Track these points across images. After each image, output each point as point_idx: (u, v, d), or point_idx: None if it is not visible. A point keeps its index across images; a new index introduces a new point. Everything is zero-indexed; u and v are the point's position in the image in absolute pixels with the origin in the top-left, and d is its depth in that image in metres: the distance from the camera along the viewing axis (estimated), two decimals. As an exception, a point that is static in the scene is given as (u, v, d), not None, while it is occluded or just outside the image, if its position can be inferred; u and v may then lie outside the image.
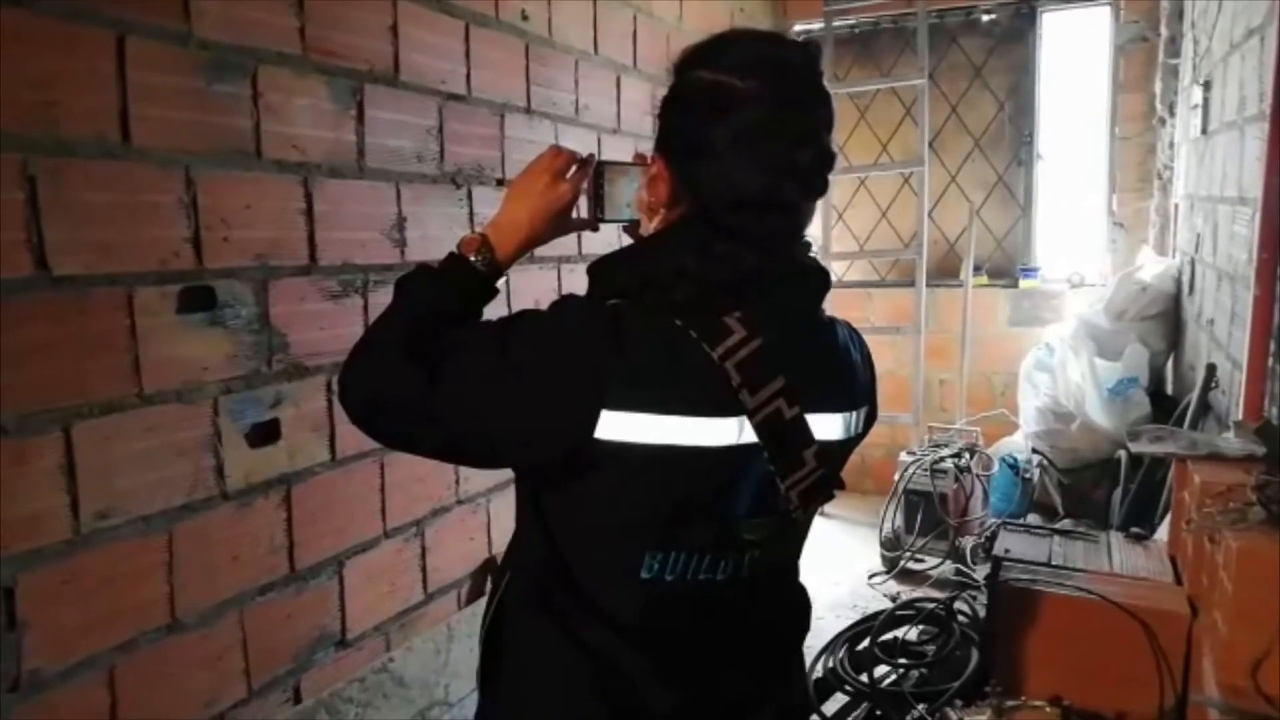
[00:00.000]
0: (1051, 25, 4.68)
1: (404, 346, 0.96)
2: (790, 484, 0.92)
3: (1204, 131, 3.27)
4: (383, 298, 2.21)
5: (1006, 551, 1.76)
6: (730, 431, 0.87)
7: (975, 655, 1.75)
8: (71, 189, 1.53)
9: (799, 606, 1.06)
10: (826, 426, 0.95)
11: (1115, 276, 4.12)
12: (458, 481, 2.52)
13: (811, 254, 0.96)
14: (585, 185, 1.15)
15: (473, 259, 1.05)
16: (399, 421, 0.96)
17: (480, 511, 2.62)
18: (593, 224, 1.18)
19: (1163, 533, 2.00)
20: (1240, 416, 2.13)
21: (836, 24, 4.86)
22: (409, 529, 2.34)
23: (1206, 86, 3.24)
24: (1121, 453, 3.34)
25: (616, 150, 3.34)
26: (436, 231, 2.41)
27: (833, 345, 1.00)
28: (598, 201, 1.15)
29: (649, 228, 1.01)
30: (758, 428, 0.88)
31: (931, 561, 3.74)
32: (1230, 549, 1.26)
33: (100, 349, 1.58)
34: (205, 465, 1.77)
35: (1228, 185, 2.82)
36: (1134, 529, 1.97)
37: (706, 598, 0.92)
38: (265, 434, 1.90)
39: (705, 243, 0.89)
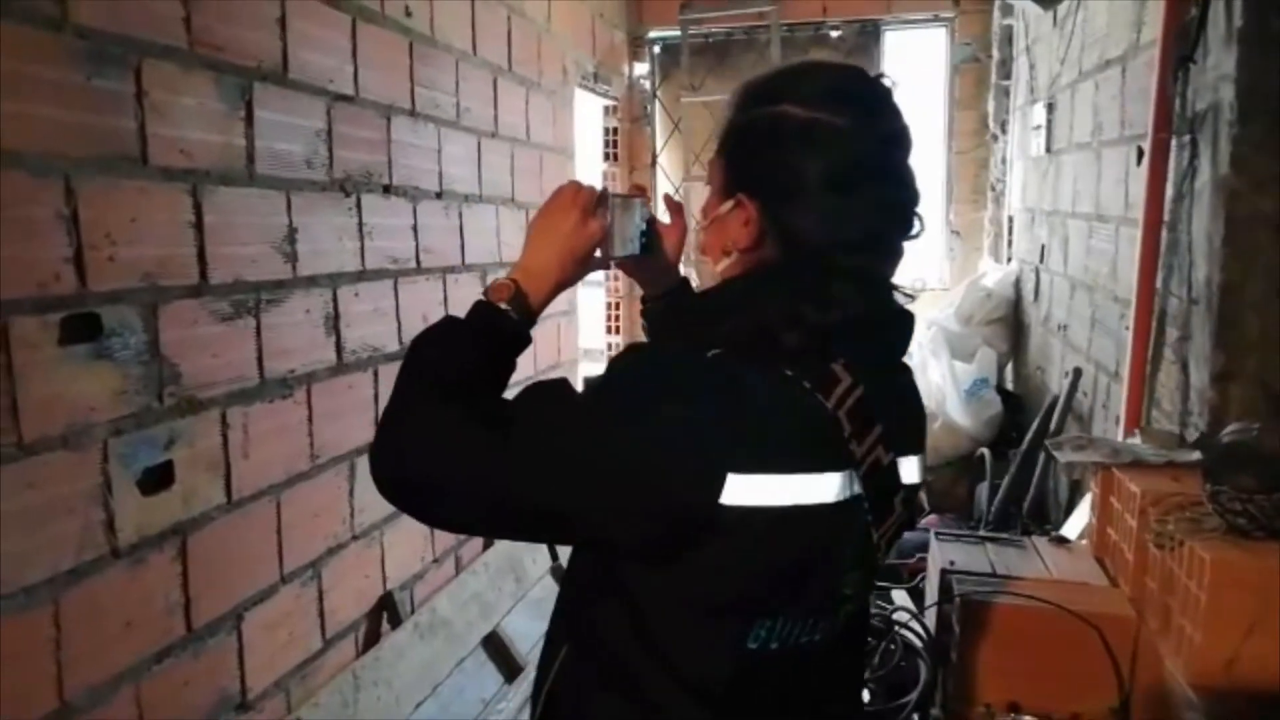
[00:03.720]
0: (894, 43, 4.93)
1: (460, 414, 0.84)
2: (881, 532, 0.88)
3: (1048, 150, 3.53)
4: (276, 318, 2.01)
5: (951, 564, 1.81)
6: (845, 484, 0.82)
7: (923, 667, 1.79)
8: (-69, 201, 1.28)
9: (864, 655, 1.03)
10: (908, 470, 0.92)
11: (963, 283, 4.38)
12: (353, 515, 2.33)
13: (904, 293, 0.92)
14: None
15: (504, 307, 0.94)
16: (472, 503, 0.83)
17: (375, 546, 2.44)
18: (605, 262, 1.10)
19: (1068, 531, 2.13)
20: (1123, 420, 2.30)
21: (692, 32, 4.90)
22: (306, 571, 2.13)
23: (1050, 109, 3.49)
24: (983, 450, 3.55)
25: (495, 154, 3.21)
26: (327, 244, 2.21)
27: (912, 388, 0.97)
28: (608, 237, 1.08)
29: (716, 270, 0.93)
30: (863, 478, 0.84)
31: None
32: (1202, 560, 1.34)
33: (-29, 392, 1.33)
34: (94, 520, 1.53)
35: (1081, 202, 3.05)
36: (1055, 533, 2.09)
37: (804, 660, 0.87)
38: (159, 479, 1.67)
39: (818, 288, 0.83)
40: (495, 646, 2.70)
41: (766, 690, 0.87)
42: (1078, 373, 2.90)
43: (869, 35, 4.93)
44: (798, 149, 0.84)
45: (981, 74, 4.75)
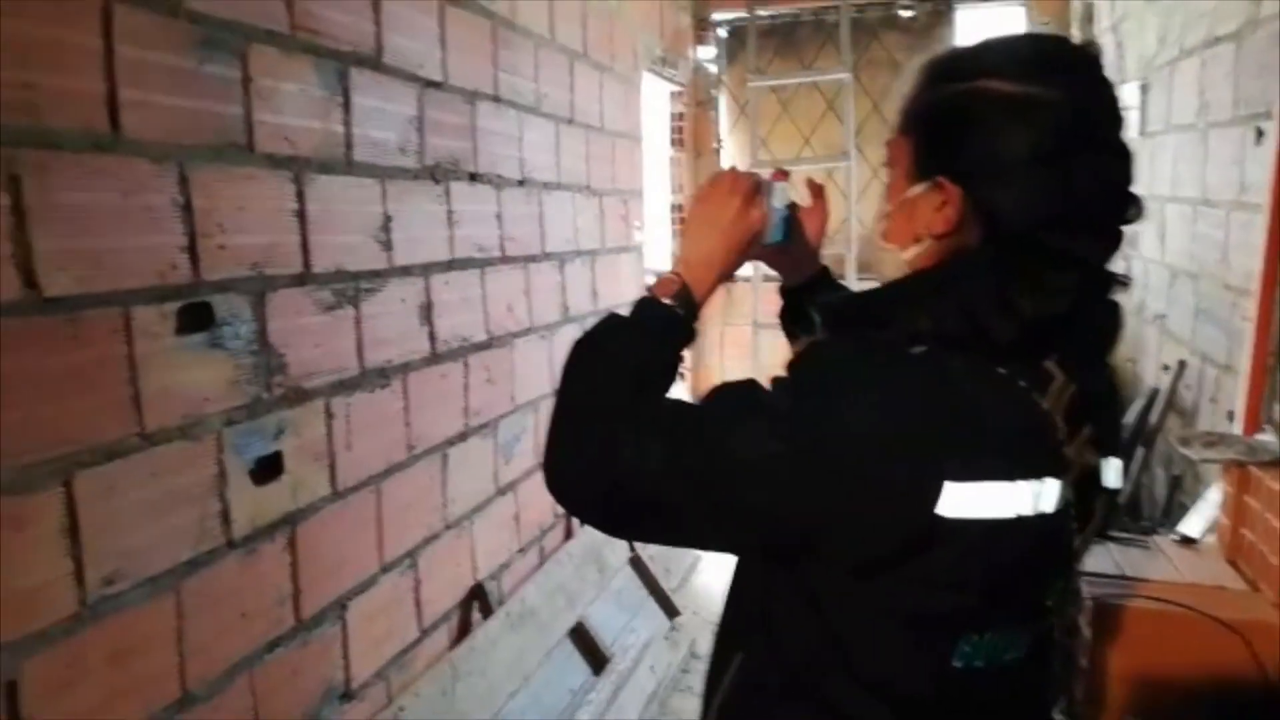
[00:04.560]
0: (966, 22, 4.79)
1: (656, 418, 0.79)
2: (1083, 539, 0.82)
3: (1142, 132, 3.40)
4: (374, 308, 1.99)
5: (1076, 563, 1.74)
6: (1061, 491, 0.76)
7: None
8: (59, 190, 1.26)
9: (1052, 670, 0.97)
10: (1111, 473, 0.86)
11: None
12: (445, 505, 2.31)
13: (1119, 281, 0.85)
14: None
15: (669, 303, 0.89)
16: (681, 512, 0.78)
17: (465, 535, 2.43)
18: (756, 251, 1.05)
19: (1188, 529, 2.03)
20: (1240, 416, 2.19)
21: (758, 14, 4.81)
22: (403, 561, 2.12)
23: (1144, 89, 3.36)
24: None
25: (571, 139, 3.17)
26: (420, 232, 2.19)
27: (1116, 385, 0.91)
28: None
29: (904, 258, 0.87)
30: (1074, 482, 0.78)
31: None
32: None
33: (98, 383, 1.32)
34: (211, 510, 1.53)
35: (1182, 186, 2.92)
36: (1181, 533, 2.00)
37: (1006, 678, 0.81)
38: (269, 469, 1.66)
39: (1031, 275, 0.76)
40: (581, 637, 2.67)
41: (969, 708, 0.81)
42: (1182, 365, 2.78)
43: (941, 15, 4.80)
44: (1004, 124, 0.77)
45: (1060, 53, 4.59)
